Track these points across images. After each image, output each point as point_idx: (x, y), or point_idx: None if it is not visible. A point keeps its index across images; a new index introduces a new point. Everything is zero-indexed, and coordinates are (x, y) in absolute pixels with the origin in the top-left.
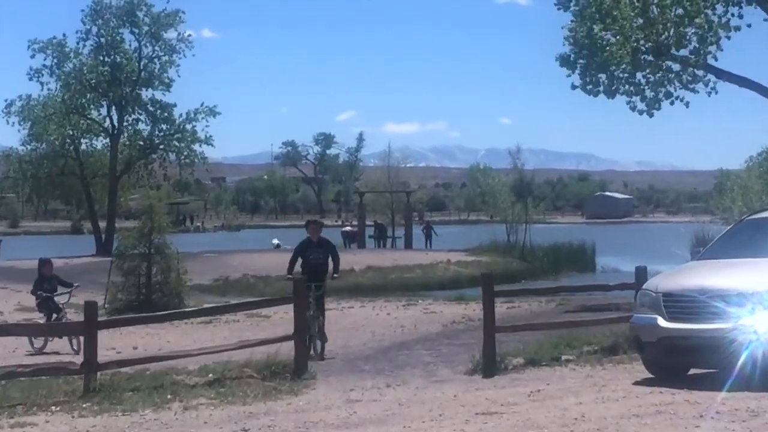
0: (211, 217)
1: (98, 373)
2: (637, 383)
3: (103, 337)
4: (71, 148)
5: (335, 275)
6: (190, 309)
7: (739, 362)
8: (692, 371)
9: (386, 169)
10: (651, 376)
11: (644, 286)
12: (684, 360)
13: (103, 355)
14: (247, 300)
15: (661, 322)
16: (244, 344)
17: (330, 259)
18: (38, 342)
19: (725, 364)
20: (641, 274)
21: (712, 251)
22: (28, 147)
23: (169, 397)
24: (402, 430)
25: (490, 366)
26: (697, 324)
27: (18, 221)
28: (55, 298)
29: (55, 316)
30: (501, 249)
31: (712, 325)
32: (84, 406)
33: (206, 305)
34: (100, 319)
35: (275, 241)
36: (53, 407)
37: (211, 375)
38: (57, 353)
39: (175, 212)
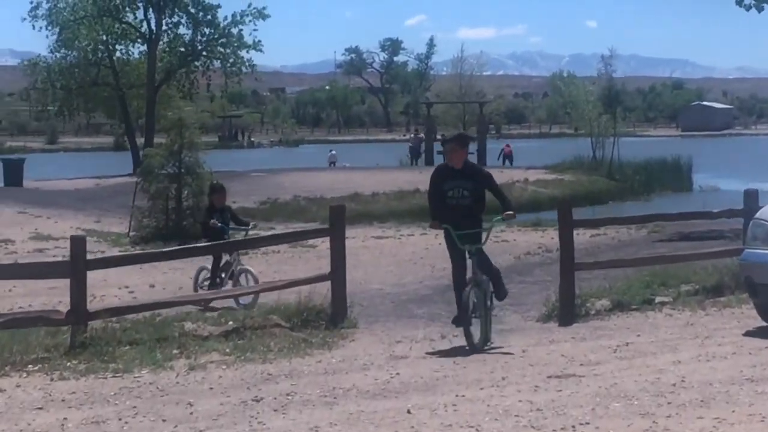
0: (267, 132)
1: (88, 324)
2: (748, 334)
3: (119, 272)
4: (105, 55)
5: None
6: (196, 245)
7: None
8: None
9: (459, 77)
10: (766, 324)
11: (757, 215)
12: None
13: (114, 294)
14: (274, 234)
15: None
16: (267, 287)
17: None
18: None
19: None
20: (752, 199)
21: None
22: (57, 55)
23: (174, 352)
24: (453, 399)
25: (567, 311)
26: None
27: (57, 137)
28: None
29: (226, 258)
30: (586, 166)
31: None
32: (68, 365)
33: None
34: (117, 252)
35: (332, 152)
36: (30, 366)
37: (231, 323)
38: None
39: (228, 126)
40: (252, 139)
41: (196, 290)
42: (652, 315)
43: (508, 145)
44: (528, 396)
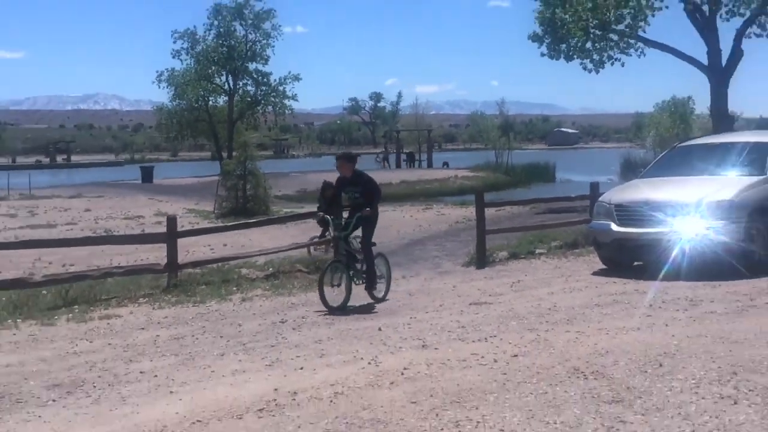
0: (302, 148)
1: (179, 272)
2: (595, 273)
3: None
4: (202, 103)
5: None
6: (247, 221)
7: (671, 257)
8: (636, 264)
9: (415, 115)
10: (605, 267)
11: (600, 199)
12: (631, 256)
13: (199, 250)
14: (294, 212)
15: (614, 227)
16: (296, 246)
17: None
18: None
19: (662, 258)
20: (595, 189)
21: (651, 171)
22: (173, 103)
23: (234, 289)
24: (408, 320)
25: (481, 260)
26: (642, 228)
27: (177, 152)
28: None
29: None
30: (491, 167)
31: (652, 229)
32: (164, 299)
33: (283, 213)
34: (207, 223)
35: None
36: (141, 300)
37: (270, 269)
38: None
39: (278, 145)
40: (292, 153)
41: (309, 253)
42: (534, 261)
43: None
44: (456, 317)
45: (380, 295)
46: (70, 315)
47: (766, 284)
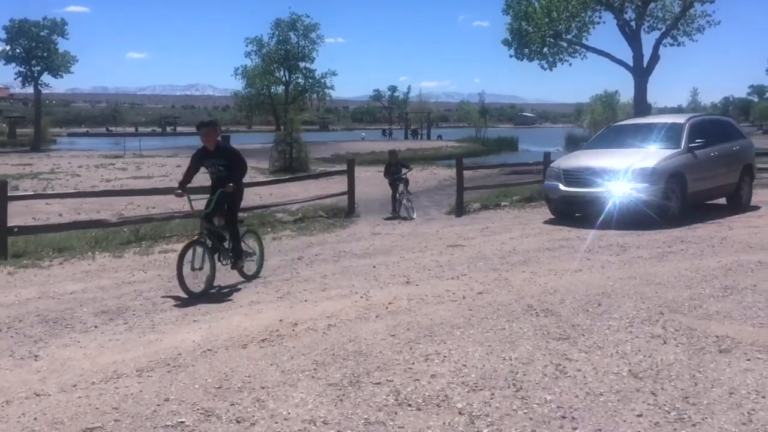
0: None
1: None
2: (546, 222)
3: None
4: (266, 91)
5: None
6: (280, 177)
7: (605, 211)
8: (577, 216)
9: (419, 102)
10: (554, 218)
11: (551, 165)
12: (574, 209)
13: (250, 198)
14: (325, 170)
15: (561, 187)
16: (318, 197)
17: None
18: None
19: (597, 212)
20: (547, 157)
21: (591, 144)
22: (246, 90)
23: (268, 230)
24: (398, 259)
25: (460, 209)
26: (582, 188)
27: (251, 125)
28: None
29: (401, 189)
30: (473, 140)
31: (591, 189)
32: None
33: (318, 171)
34: (259, 179)
35: (362, 134)
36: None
37: (300, 214)
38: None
39: (323, 122)
40: (332, 128)
41: (394, 208)
42: (499, 212)
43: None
44: (436, 257)
45: (250, 272)
46: (138, 249)
47: (679, 233)
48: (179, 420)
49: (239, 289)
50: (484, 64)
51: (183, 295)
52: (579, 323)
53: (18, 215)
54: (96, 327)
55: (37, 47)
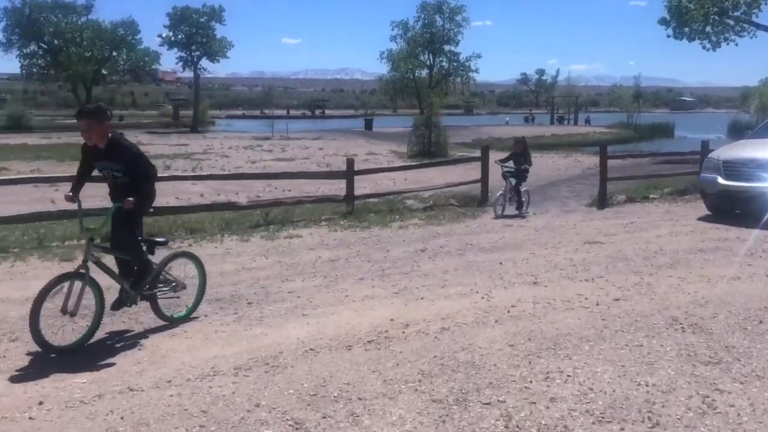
0: (484, 108)
1: (354, 201)
2: (700, 219)
3: (388, 174)
4: (410, 74)
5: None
6: (410, 164)
7: None
8: (737, 214)
9: (567, 86)
10: (710, 214)
11: (709, 156)
12: (733, 206)
13: (384, 183)
14: (464, 156)
15: (720, 180)
16: (450, 184)
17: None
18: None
19: (761, 210)
20: (705, 146)
21: (757, 133)
22: (390, 74)
23: (396, 218)
24: (528, 255)
25: (602, 201)
26: (745, 183)
27: (396, 109)
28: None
29: (513, 182)
30: (623, 126)
31: (754, 184)
32: (340, 223)
33: (454, 156)
34: (397, 163)
35: (506, 119)
36: (322, 223)
37: (431, 201)
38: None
39: (467, 106)
40: (476, 111)
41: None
42: (647, 205)
43: (588, 117)
44: (570, 255)
45: (177, 313)
46: (264, 233)
47: None
48: (266, 431)
49: (360, 280)
50: (639, 45)
51: (303, 282)
52: (734, 344)
53: (164, 194)
54: (206, 316)
55: (197, 33)
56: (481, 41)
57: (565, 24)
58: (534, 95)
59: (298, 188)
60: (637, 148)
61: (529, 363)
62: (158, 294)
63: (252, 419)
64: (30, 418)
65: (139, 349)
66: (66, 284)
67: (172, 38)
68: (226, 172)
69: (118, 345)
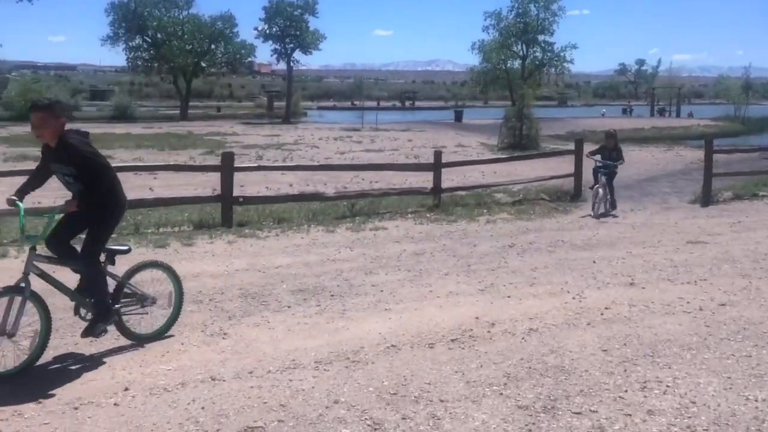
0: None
1: (441, 194)
2: None
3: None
4: (502, 65)
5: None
6: (499, 156)
7: None
8: None
9: (669, 77)
10: None
11: None
12: None
13: (472, 176)
14: (556, 149)
15: None
16: (541, 178)
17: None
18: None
19: None
20: None
21: None
22: (481, 65)
23: (484, 211)
24: (624, 254)
25: (706, 198)
26: None
27: (487, 101)
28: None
29: (603, 179)
30: (730, 119)
31: None
32: (426, 216)
33: (546, 149)
34: (486, 155)
35: (603, 110)
36: (408, 215)
37: (520, 195)
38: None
39: (561, 98)
40: (571, 103)
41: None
42: (756, 203)
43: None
44: (670, 255)
45: (149, 330)
46: (350, 225)
47: None
48: (343, 430)
49: (445, 275)
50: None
51: (387, 275)
52: None
53: (255, 184)
54: (289, 307)
55: (290, 26)
56: (577, 31)
57: (668, 12)
58: (633, 86)
59: (386, 180)
60: (746, 142)
61: (625, 370)
62: (123, 310)
63: (330, 416)
64: (115, 404)
65: (223, 338)
66: (3, 300)
67: (267, 31)
68: (313, 163)
69: (203, 332)
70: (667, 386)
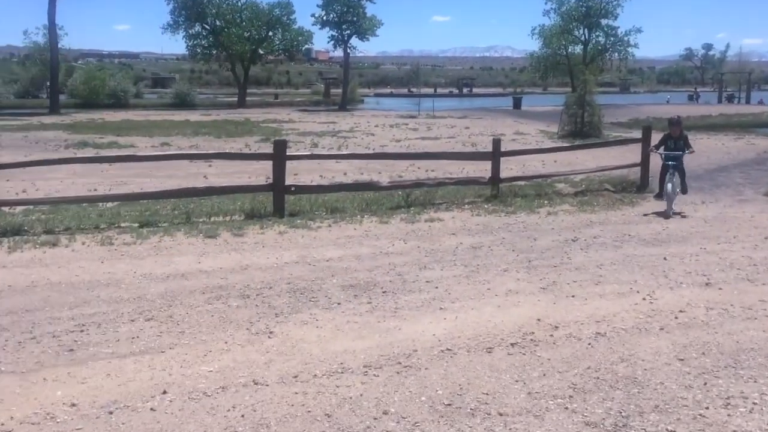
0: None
1: (499, 184)
2: None
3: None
4: (563, 50)
5: None
6: (560, 145)
7: None
8: None
9: (738, 62)
10: None
11: None
12: None
13: (532, 165)
14: (619, 137)
15: None
16: (605, 167)
17: None
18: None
19: None
20: None
21: None
22: (541, 50)
23: (544, 203)
24: (697, 251)
25: None
26: None
27: (546, 87)
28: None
29: (671, 169)
30: None
31: None
32: (484, 207)
33: (611, 137)
34: (546, 144)
35: (667, 97)
36: (465, 206)
37: (583, 186)
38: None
39: (624, 83)
40: (634, 90)
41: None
42: None
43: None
44: (749, 252)
45: None
46: (404, 215)
47: None
48: None
49: (504, 272)
50: None
51: (442, 271)
52: None
53: (309, 172)
54: (339, 304)
55: (348, 12)
56: (642, 15)
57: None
58: (699, 72)
59: (442, 169)
60: None
61: (704, 384)
62: None
63: (378, 429)
64: (151, 409)
65: (269, 337)
66: None
67: (325, 18)
68: (367, 151)
69: (248, 329)
70: (754, 403)
